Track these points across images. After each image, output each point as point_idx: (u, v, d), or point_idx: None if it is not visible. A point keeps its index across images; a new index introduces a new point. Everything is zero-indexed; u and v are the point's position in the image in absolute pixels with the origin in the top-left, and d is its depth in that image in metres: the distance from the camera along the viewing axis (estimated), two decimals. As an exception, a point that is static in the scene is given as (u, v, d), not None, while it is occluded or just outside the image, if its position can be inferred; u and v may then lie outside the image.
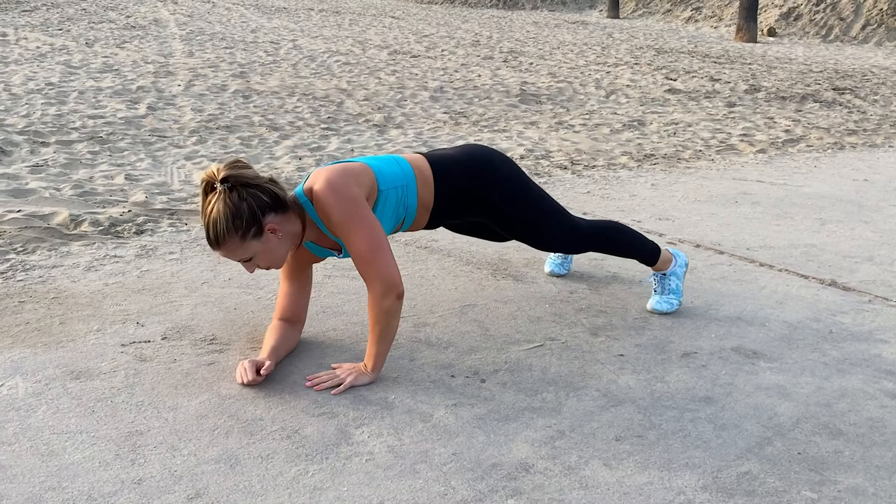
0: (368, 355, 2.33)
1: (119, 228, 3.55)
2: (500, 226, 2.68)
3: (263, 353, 2.37)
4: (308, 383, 2.28)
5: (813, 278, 3.46)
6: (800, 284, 3.38)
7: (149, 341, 2.50)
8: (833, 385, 2.49)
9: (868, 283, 3.43)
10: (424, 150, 5.85)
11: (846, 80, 12.77)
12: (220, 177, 2.17)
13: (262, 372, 2.26)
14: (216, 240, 2.18)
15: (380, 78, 9.19)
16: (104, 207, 3.84)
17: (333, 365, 2.37)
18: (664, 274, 2.98)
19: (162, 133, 5.69)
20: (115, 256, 3.22)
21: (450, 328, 2.74)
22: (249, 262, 2.26)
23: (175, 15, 17.33)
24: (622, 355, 2.62)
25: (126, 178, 4.45)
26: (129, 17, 15.73)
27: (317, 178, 2.31)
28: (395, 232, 2.52)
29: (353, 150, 5.65)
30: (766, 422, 2.25)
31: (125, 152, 5.08)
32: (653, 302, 2.98)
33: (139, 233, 3.53)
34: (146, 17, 16.12)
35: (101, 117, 6.05)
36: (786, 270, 3.55)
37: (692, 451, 2.08)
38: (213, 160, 4.98)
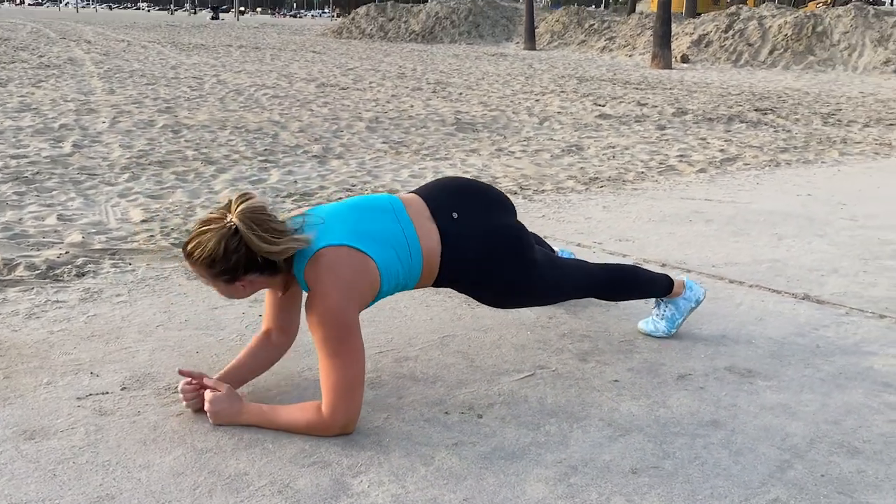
0: (263, 415, 2.09)
1: (58, 272, 3.28)
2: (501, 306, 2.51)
3: (217, 374, 2.23)
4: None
5: (786, 293, 3.42)
6: (774, 300, 3.33)
7: (107, 392, 2.26)
8: (836, 401, 2.41)
9: (840, 296, 3.39)
10: (370, 178, 5.68)
11: (764, 101, 13.14)
12: (236, 215, 1.96)
13: (188, 384, 2.14)
14: (190, 256, 2.01)
15: (312, 110, 9.01)
16: (38, 250, 3.56)
17: (209, 383, 2.14)
18: (663, 299, 2.83)
19: (91, 171, 5.38)
20: (58, 301, 2.95)
21: (433, 361, 2.57)
22: (210, 285, 2.10)
23: (90, 54, 16.81)
24: (617, 381, 2.49)
25: (58, 218, 4.15)
26: (41, 56, 15.20)
27: (325, 286, 2.01)
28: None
29: (295, 181, 5.44)
30: (779, 443, 2.14)
31: (54, 192, 4.76)
32: (642, 322, 2.87)
33: (80, 275, 3.26)
34: (60, 56, 15.59)
35: (25, 157, 5.70)
36: (757, 286, 3.50)
37: (714, 480, 1.95)
38: (150, 197, 4.72)
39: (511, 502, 1.82)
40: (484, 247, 2.26)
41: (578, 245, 4.05)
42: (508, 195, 5.35)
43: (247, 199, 1.99)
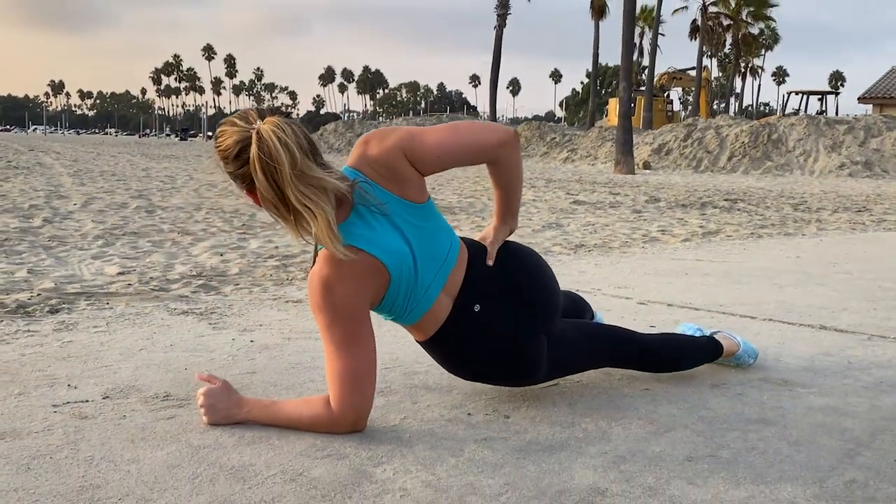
0: (266, 410, 1.86)
1: (29, 309, 3.03)
2: None
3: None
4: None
5: (801, 325, 3.26)
6: (792, 329, 3.17)
7: (87, 401, 2.01)
8: (886, 402, 2.22)
9: (857, 326, 3.25)
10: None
11: (732, 195, 13.34)
12: (266, 123, 1.67)
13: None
14: (215, 139, 1.76)
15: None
16: (7, 293, 3.30)
17: (203, 376, 1.91)
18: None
19: (63, 239, 5.16)
20: (30, 331, 2.70)
21: (445, 375, 2.35)
22: None
23: (59, 160, 16.73)
24: (648, 389, 2.29)
25: (29, 272, 3.91)
26: (9, 161, 15.06)
27: (339, 261, 1.76)
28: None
29: (276, 247, 5.25)
30: (839, 436, 1.94)
31: (24, 254, 4.53)
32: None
33: (54, 312, 3.01)
34: (28, 161, 15.48)
35: (-9, 227, 5.48)
36: (770, 320, 3.34)
37: (780, 466, 1.74)
38: (125, 258, 4.50)
39: (558, 486, 1.59)
40: (477, 360, 1.99)
41: (578, 290, 3.88)
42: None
43: (285, 115, 1.72)
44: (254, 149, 1.65)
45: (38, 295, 3.26)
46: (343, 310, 1.80)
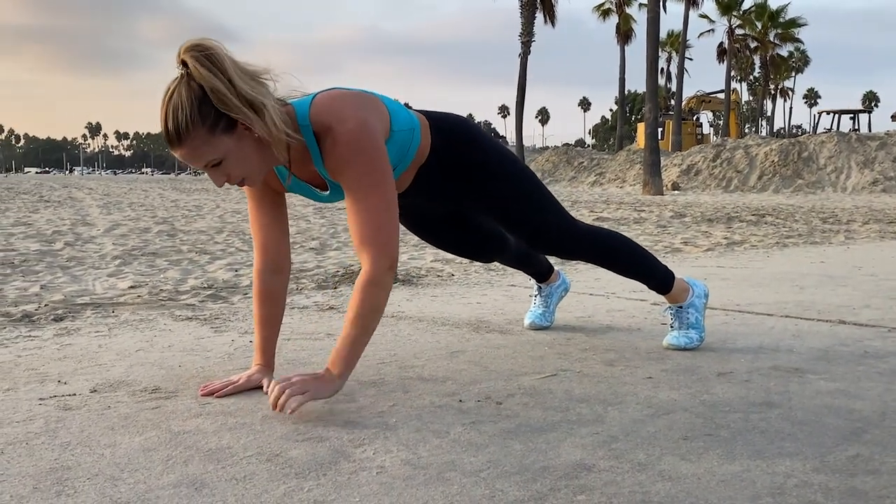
0: (338, 356, 1.81)
1: (34, 318, 3.03)
2: (488, 202, 2.22)
3: (256, 358, 2.06)
4: (271, 403, 1.78)
5: (819, 320, 3.17)
6: (809, 324, 3.08)
7: (74, 394, 1.99)
8: (900, 386, 2.13)
9: (878, 321, 3.14)
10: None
11: (760, 211, 13.16)
12: (183, 56, 1.68)
13: (265, 391, 1.96)
14: (177, 132, 1.68)
15: (310, 221, 8.94)
16: (17, 306, 3.32)
17: (281, 379, 1.83)
18: (680, 307, 2.60)
19: (81, 260, 5.20)
20: (30, 336, 2.70)
21: (442, 367, 2.30)
22: (219, 167, 1.75)
23: (91, 195, 17.01)
24: (651, 377, 2.22)
25: (42, 287, 3.93)
26: (42, 196, 15.35)
27: (340, 112, 1.81)
28: None
29: (292, 263, 5.25)
30: (846, 416, 1.86)
31: (40, 273, 4.56)
32: (669, 337, 2.60)
33: (58, 320, 3.01)
34: (60, 196, 15.76)
35: (13, 250, 5.54)
36: (787, 316, 3.25)
37: (780, 443, 1.66)
38: (140, 275, 4.51)
39: (543, 462, 1.53)
40: (455, 118, 2.21)
41: (591, 295, 3.83)
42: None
43: (189, 42, 1.70)
44: (192, 65, 1.66)
45: (46, 306, 3.27)
46: (372, 147, 1.81)
